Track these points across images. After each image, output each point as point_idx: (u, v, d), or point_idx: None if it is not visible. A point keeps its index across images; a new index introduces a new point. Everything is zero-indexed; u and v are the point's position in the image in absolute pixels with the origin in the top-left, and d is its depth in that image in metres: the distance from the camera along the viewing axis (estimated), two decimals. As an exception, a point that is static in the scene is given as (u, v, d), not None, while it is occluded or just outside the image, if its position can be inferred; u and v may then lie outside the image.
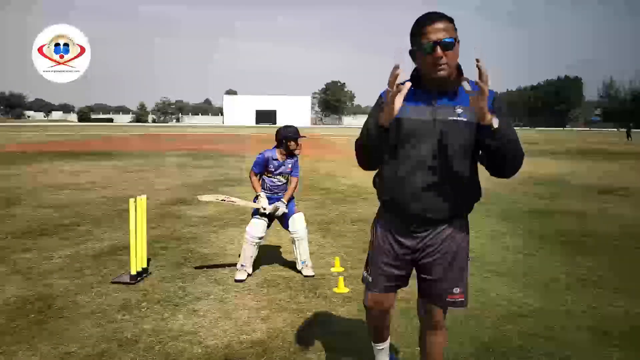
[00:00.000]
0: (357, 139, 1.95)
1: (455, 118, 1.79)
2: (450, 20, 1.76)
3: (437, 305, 1.99)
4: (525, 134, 38.24)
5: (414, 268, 2.03)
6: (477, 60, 1.57)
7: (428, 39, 1.72)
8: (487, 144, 1.73)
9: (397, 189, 1.89)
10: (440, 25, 1.72)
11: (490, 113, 1.68)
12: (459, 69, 1.83)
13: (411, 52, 1.85)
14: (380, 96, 1.94)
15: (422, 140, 1.81)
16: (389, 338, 2.34)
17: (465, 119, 1.79)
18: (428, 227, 1.91)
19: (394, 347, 2.69)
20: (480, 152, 1.84)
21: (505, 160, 1.77)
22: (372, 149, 1.86)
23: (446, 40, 1.71)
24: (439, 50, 1.71)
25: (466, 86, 1.69)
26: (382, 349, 2.33)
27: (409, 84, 1.70)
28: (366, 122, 1.89)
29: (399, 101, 1.70)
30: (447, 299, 1.96)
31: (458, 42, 1.76)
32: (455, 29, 1.76)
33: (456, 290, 1.95)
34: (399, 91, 1.68)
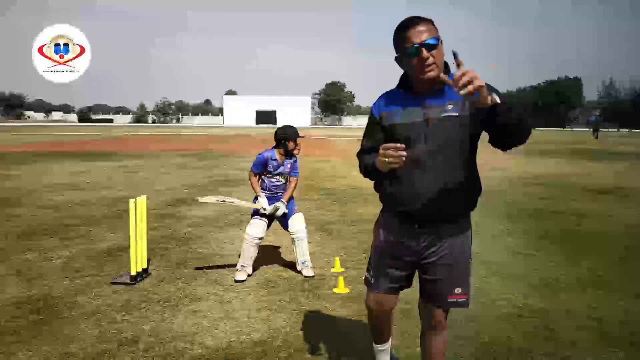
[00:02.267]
0: (358, 153, 2.06)
1: (447, 114, 1.80)
2: (430, 21, 1.78)
3: (439, 305, 1.99)
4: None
5: (416, 269, 2.04)
6: (455, 55, 1.54)
7: (412, 43, 1.74)
8: (499, 123, 1.64)
9: (398, 191, 1.91)
10: (421, 27, 1.74)
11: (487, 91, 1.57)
12: (446, 67, 1.84)
13: (397, 59, 1.87)
14: (371, 109, 2.01)
15: (418, 141, 1.82)
16: (390, 339, 2.34)
17: (456, 114, 1.80)
18: (431, 227, 1.92)
19: (394, 348, 2.69)
20: (489, 132, 1.76)
21: (516, 132, 1.69)
22: (377, 177, 1.97)
23: (429, 41, 1.73)
24: (424, 52, 1.73)
25: (445, 78, 1.68)
26: (384, 349, 2.33)
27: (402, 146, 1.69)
28: (364, 158, 1.99)
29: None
30: (448, 299, 1.96)
31: (441, 41, 1.77)
32: (437, 29, 1.77)
33: (458, 290, 1.96)
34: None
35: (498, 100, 1.58)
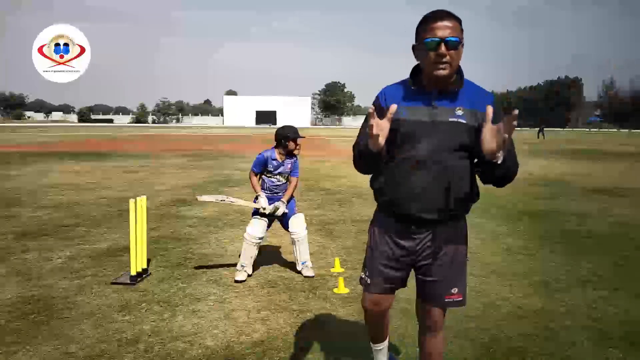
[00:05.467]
0: (354, 145, 1.96)
1: (455, 119, 1.78)
2: (458, 20, 1.75)
3: (435, 305, 1.99)
4: (525, 136, 38.25)
5: (412, 269, 2.03)
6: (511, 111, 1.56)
7: (434, 36, 1.70)
8: (490, 170, 1.75)
9: (396, 191, 1.88)
10: (448, 23, 1.71)
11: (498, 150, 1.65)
12: (460, 71, 1.82)
13: (414, 48, 1.83)
14: (376, 98, 1.93)
15: (421, 141, 1.79)
16: (387, 338, 2.34)
17: (464, 121, 1.78)
18: (427, 228, 1.91)
19: (393, 348, 2.69)
20: (479, 167, 1.84)
21: (504, 180, 1.80)
22: (370, 162, 1.86)
23: (452, 38, 1.70)
24: (443, 47, 1.70)
25: (489, 113, 1.64)
26: (381, 349, 2.33)
27: (393, 107, 1.68)
28: (358, 141, 1.89)
29: (382, 131, 1.69)
30: (445, 300, 1.97)
31: (463, 44, 1.74)
32: (462, 30, 1.74)
33: (454, 290, 1.96)
34: (380, 125, 1.68)
35: (499, 161, 1.67)
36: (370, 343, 2.34)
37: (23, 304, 3.35)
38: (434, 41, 1.70)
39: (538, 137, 35.64)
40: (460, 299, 1.98)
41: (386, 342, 2.34)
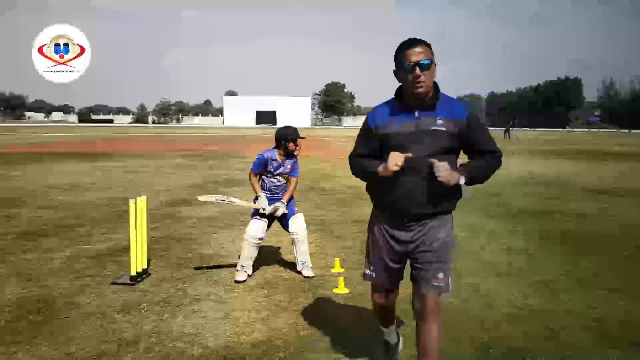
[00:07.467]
0: (351, 155, 2.30)
1: (436, 128, 2.08)
2: (428, 45, 2.07)
3: (425, 286, 2.17)
4: (525, 136, 38.27)
5: (407, 260, 2.26)
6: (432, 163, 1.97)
7: (409, 61, 2.02)
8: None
9: (390, 191, 2.14)
10: (419, 49, 2.03)
11: (456, 174, 2.01)
12: (435, 87, 2.11)
13: (395, 72, 2.14)
14: (366, 119, 2.24)
15: (409, 149, 2.06)
16: (395, 321, 2.56)
17: (444, 129, 2.08)
18: (418, 222, 2.16)
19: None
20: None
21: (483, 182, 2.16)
22: (374, 180, 2.22)
23: (424, 61, 2.01)
24: (417, 70, 2.01)
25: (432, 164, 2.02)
26: (389, 330, 2.56)
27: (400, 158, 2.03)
28: (363, 162, 2.24)
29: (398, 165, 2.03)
30: (433, 283, 2.17)
31: (435, 64, 2.06)
32: (432, 53, 2.06)
33: (440, 275, 2.17)
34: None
35: (462, 182, 2.02)
36: (380, 327, 2.55)
37: (23, 304, 3.35)
38: (409, 65, 2.02)
39: (508, 138, 35.18)
40: (444, 284, 2.18)
41: (395, 324, 2.57)
